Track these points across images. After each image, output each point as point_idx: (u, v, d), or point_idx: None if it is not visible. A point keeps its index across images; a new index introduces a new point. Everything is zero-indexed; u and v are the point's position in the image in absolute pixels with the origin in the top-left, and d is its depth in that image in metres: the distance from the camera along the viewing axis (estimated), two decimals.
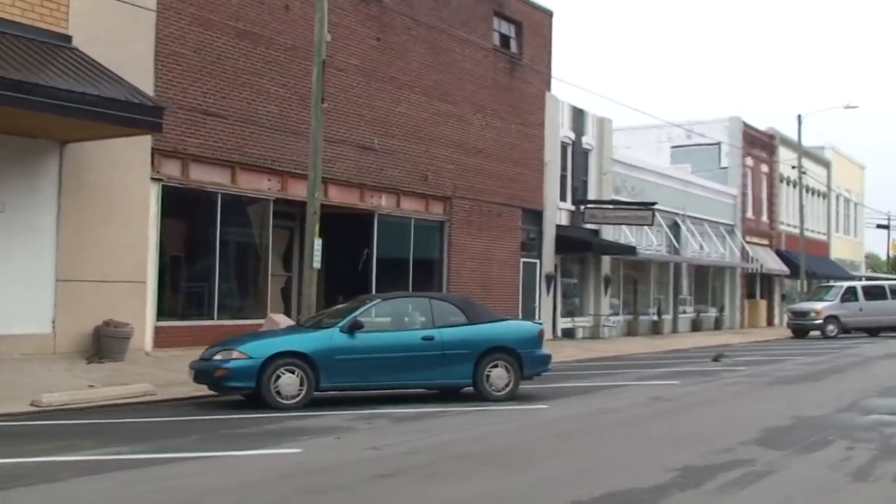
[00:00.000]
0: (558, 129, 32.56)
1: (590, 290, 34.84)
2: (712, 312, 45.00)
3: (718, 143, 47.99)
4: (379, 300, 14.74)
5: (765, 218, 51.09)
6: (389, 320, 14.58)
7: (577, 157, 33.90)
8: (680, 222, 41.14)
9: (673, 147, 49.67)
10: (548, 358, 15.29)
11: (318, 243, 17.90)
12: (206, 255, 20.46)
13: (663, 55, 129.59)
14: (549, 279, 31.49)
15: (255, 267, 21.96)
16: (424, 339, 14.21)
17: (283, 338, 13.95)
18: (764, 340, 37.27)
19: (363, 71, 24.07)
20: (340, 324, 13.95)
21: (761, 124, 52.58)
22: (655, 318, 39.16)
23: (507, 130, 29.59)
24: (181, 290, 20.33)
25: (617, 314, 36.58)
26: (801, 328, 40.47)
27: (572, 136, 33.54)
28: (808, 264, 51.48)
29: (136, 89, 16.37)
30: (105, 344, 17.38)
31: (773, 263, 49.70)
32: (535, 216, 31.23)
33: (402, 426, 12.04)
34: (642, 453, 10.14)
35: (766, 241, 50.82)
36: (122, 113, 15.50)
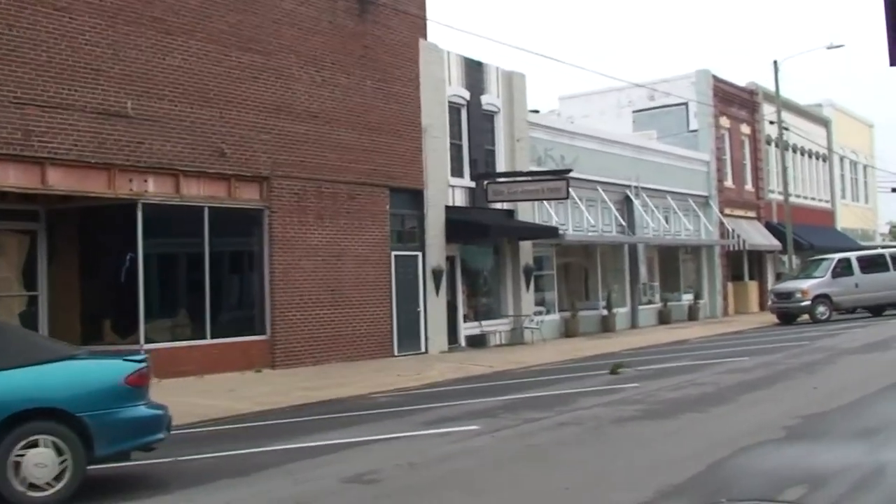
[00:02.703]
0: (444, 87, 25.82)
1: (507, 286, 28.03)
2: (686, 301, 37.90)
3: (686, 103, 40.88)
4: None
5: (749, 186, 43.88)
6: None
7: (475, 121, 27.09)
8: (632, 196, 34.16)
9: (635, 112, 42.69)
10: (154, 420, 8.62)
11: None
12: None
13: (622, 9, 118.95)
14: (438, 275, 24.75)
15: None
16: None
17: None
18: (735, 332, 30.20)
19: (101, 11, 17.51)
20: None
21: (742, 80, 45.57)
22: (605, 312, 32.23)
23: (357, 88, 22.91)
24: None
25: (549, 312, 29.70)
26: (786, 312, 33.37)
27: (467, 95, 26.75)
28: (809, 236, 44.30)
29: None
30: None
31: (760, 238, 42.48)
32: (412, 197, 24.50)
33: None
34: None
35: (752, 214, 43.63)
36: None
